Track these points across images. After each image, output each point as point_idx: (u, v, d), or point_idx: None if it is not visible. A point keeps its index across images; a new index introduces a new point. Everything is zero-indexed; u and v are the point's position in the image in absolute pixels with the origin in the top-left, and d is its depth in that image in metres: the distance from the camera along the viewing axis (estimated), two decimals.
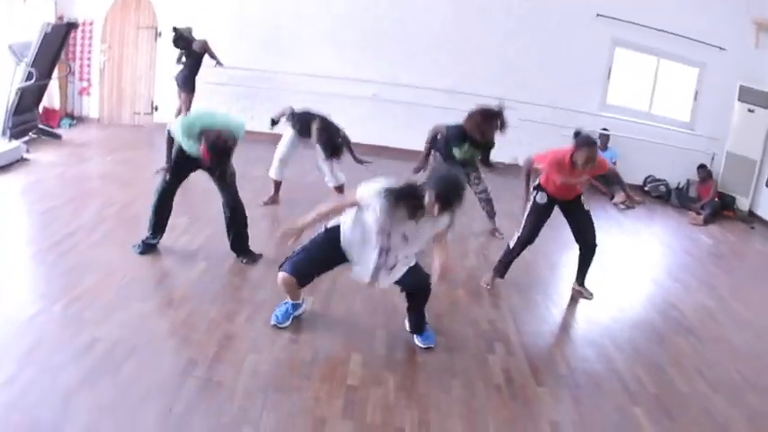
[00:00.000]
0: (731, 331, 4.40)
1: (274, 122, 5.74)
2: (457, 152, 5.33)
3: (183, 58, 7.55)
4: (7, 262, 4.02)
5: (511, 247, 4.46)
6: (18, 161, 6.14)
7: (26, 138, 6.81)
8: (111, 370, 2.90)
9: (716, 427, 3.12)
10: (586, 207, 4.45)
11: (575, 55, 8.23)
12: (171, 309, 3.59)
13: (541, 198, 4.34)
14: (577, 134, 4.12)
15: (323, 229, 3.36)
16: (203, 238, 4.69)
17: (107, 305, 3.51)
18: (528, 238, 4.40)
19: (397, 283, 3.36)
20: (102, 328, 3.25)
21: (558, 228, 4.68)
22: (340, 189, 5.69)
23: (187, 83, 7.46)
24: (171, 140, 4.23)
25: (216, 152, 3.90)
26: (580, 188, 4.39)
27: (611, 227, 6.76)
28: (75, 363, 2.92)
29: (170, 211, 4.40)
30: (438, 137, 5.43)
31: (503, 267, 4.50)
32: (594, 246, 4.46)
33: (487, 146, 5.43)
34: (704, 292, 5.14)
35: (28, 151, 6.45)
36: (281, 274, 3.32)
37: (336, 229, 3.30)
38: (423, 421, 2.82)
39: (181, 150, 4.20)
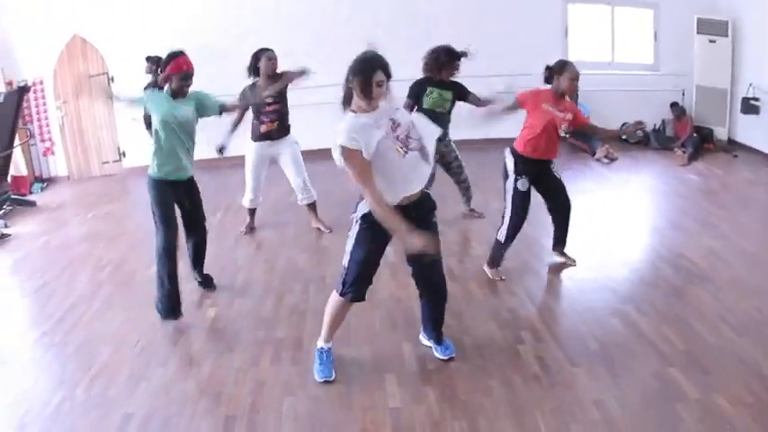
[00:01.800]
0: (742, 269, 4.44)
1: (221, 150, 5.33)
2: (427, 101, 5.13)
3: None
4: (15, 351, 3.90)
5: (502, 240, 4.34)
6: None
7: (1, 211, 6.64)
8: None
9: (748, 370, 3.15)
10: (558, 174, 4.40)
11: (529, 19, 8.20)
12: (193, 367, 3.50)
13: (522, 185, 4.21)
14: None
15: (358, 223, 3.04)
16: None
17: (129, 377, 3.42)
18: (518, 224, 4.29)
19: (418, 278, 3.28)
20: (131, 403, 3.17)
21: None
22: (312, 206, 5.57)
23: None
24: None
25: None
26: (558, 146, 4.32)
27: (600, 183, 6.81)
28: None
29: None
30: (409, 109, 5.09)
31: (499, 257, 4.45)
32: (570, 207, 4.44)
33: (456, 86, 5.24)
34: (706, 233, 5.18)
35: (6, 226, 6.30)
36: (345, 300, 3.15)
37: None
38: (473, 429, 2.80)
39: (159, 189, 3.99)
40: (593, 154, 7.77)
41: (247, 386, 3.27)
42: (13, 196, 7.04)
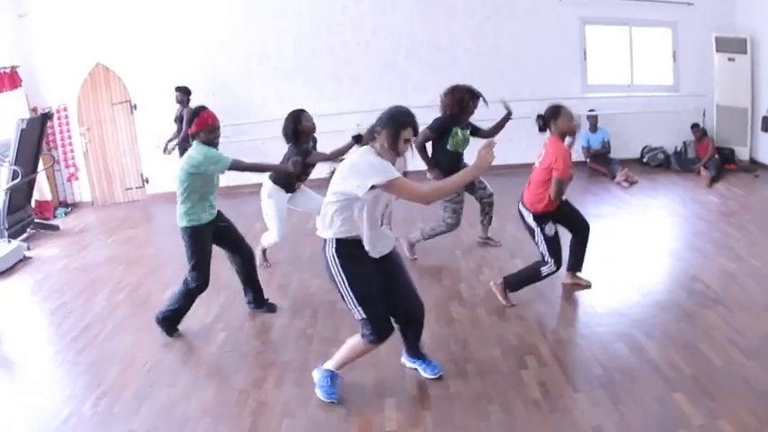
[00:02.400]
0: (755, 292, 4.35)
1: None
2: (451, 142, 5.05)
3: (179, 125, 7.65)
4: (28, 367, 4.06)
5: (543, 274, 4.26)
6: (21, 260, 6.18)
7: (25, 235, 6.85)
8: None
9: (755, 395, 3.07)
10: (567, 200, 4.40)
11: (547, 42, 8.22)
12: (198, 388, 3.57)
13: (550, 230, 4.20)
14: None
15: (345, 272, 3.04)
16: (218, 307, 4.68)
17: (135, 396, 3.52)
18: (560, 260, 4.25)
19: (396, 310, 3.26)
20: (134, 421, 3.26)
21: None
22: None
23: None
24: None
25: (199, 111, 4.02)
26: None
27: (619, 207, 6.73)
28: None
29: None
30: (425, 140, 5.11)
31: (523, 285, 4.38)
32: (589, 228, 4.44)
33: (470, 124, 5.21)
34: (723, 255, 5.09)
35: (29, 249, 6.49)
36: (374, 344, 3.16)
37: (355, 247, 3.04)
38: None
39: (191, 235, 4.12)
40: (613, 177, 7.71)
41: (248, 407, 3.32)
42: (36, 220, 7.26)
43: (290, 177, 4.98)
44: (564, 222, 4.38)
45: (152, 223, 7.68)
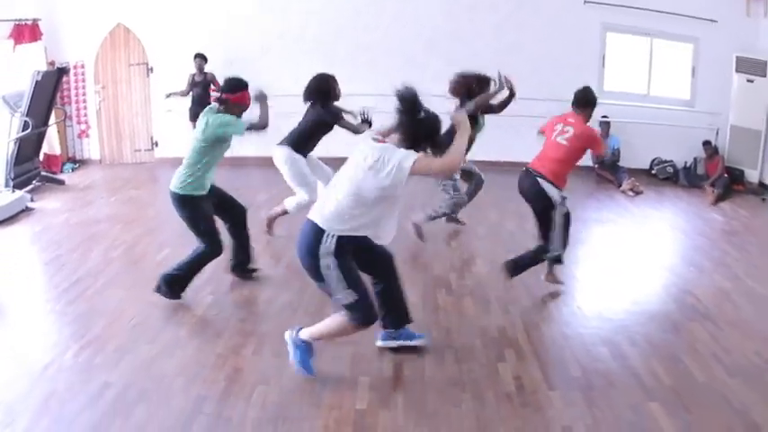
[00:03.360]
0: (748, 312, 4.32)
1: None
2: (476, 128, 5.09)
3: (192, 90, 7.75)
4: (18, 313, 4.12)
5: (557, 252, 4.32)
6: (23, 211, 6.23)
7: (30, 186, 6.90)
8: (123, 414, 2.96)
9: (734, 413, 3.05)
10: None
11: (567, 45, 8.16)
12: (178, 348, 3.61)
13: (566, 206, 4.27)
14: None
15: (339, 263, 3.02)
16: (209, 272, 4.61)
17: (116, 349, 3.56)
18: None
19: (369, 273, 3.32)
20: (112, 373, 3.31)
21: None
22: (285, 213, 5.45)
23: None
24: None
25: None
26: None
27: (621, 215, 6.71)
28: (88, 410, 2.98)
29: None
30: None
31: (521, 269, 4.41)
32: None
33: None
34: (719, 273, 5.05)
35: (32, 200, 6.54)
36: (363, 327, 3.18)
37: (353, 240, 3.06)
38: None
39: (195, 205, 4.14)
40: (620, 186, 7.67)
41: (224, 371, 3.35)
42: (42, 173, 7.30)
43: (310, 140, 5.11)
44: None
45: (156, 186, 7.70)
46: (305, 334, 3.28)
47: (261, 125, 4.26)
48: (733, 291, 4.68)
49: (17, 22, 7.19)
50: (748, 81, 7.74)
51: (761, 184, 7.85)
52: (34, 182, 7.05)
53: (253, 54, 8.15)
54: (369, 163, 2.93)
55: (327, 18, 8.16)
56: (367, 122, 5.08)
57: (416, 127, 3.03)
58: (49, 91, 7.01)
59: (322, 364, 3.35)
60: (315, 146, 5.28)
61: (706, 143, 7.96)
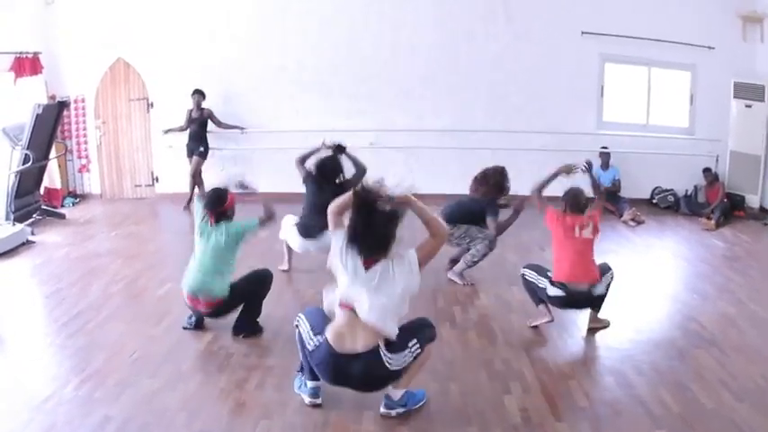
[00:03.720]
0: (753, 336, 4.31)
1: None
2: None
3: (189, 126, 7.82)
4: (18, 346, 4.10)
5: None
6: (23, 244, 6.22)
7: (31, 220, 6.89)
8: None
9: None
10: None
11: (565, 76, 8.23)
12: (180, 382, 3.56)
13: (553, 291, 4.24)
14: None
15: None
16: None
17: (118, 383, 3.52)
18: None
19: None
20: (113, 407, 3.26)
21: None
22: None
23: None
24: None
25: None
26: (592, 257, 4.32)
27: (623, 246, 6.68)
28: None
29: None
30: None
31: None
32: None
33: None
34: (723, 299, 5.04)
35: (33, 233, 6.54)
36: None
37: None
38: None
39: None
40: (620, 216, 7.68)
41: (227, 406, 3.32)
42: (43, 207, 7.30)
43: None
44: None
45: (157, 221, 7.73)
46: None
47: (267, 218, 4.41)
48: (737, 316, 4.67)
49: (18, 55, 7.27)
50: (746, 106, 7.81)
51: (762, 209, 7.86)
52: (35, 215, 7.05)
53: (251, 89, 8.22)
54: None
55: (324, 53, 8.22)
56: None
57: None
58: (50, 124, 7.04)
59: (325, 398, 3.31)
60: None
61: (706, 170, 7.99)
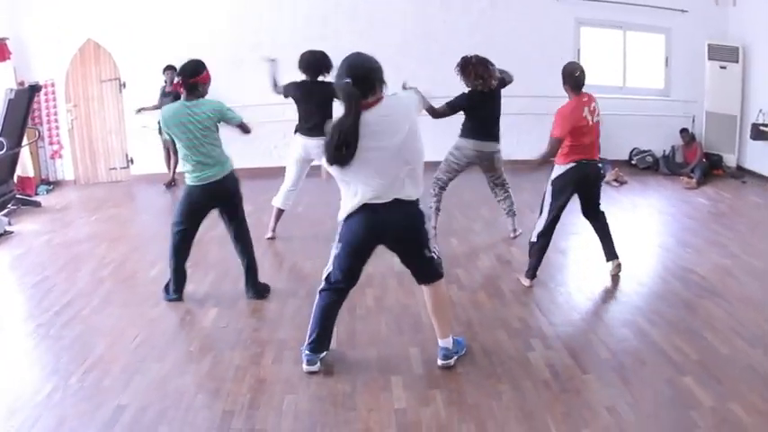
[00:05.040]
0: (753, 286, 4.38)
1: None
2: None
3: (162, 102, 7.54)
4: (8, 341, 3.85)
5: (535, 240, 4.32)
6: (1, 235, 5.96)
7: (6, 210, 6.59)
8: None
9: (762, 380, 3.09)
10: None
11: (541, 41, 8.22)
12: (192, 363, 3.43)
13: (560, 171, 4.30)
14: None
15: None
16: (208, 285, 4.56)
17: (124, 370, 3.35)
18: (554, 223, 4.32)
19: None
20: (125, 396, 3.09)
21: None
22: (281, 213, 5.56)
23: None
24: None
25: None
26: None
27: (609, 204, 6.67)
28: None
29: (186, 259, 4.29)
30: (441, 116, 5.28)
31: (537, 264, 4.38)
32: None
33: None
34: (716, 252, 5.12)
35: (10, 224, 6.27)
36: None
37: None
38: None
39: (191, 193, 4.07)
40: (603, 176, 7.72)
41: (247, 383, 3.19)
42: (18, 196, 7.01)
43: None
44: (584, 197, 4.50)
45: (135, 203, 7.53)
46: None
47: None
48: (733, 267, 4.75)
49: None
50: (721, 68, 7.92)
51: (739, 167, 8.03)
52: (10, 205, 6.75)
53: (225, 66, 7.96)
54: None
55: (299, 28, 8.02)
56: None
57: None
58: (22, 110, 6.71)
59: (350, 369, 3.27)
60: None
61: (683, 131, 8.11)
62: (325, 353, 3.33)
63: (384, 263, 4.90)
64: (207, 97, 4.10)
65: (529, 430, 2.73)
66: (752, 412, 2.79)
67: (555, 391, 3.03)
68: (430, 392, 3.03)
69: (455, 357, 3.28)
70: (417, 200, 3.01)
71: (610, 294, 4.27)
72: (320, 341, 3.27)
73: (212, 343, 3.68)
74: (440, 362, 3.24)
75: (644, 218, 6.38)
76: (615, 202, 6.84)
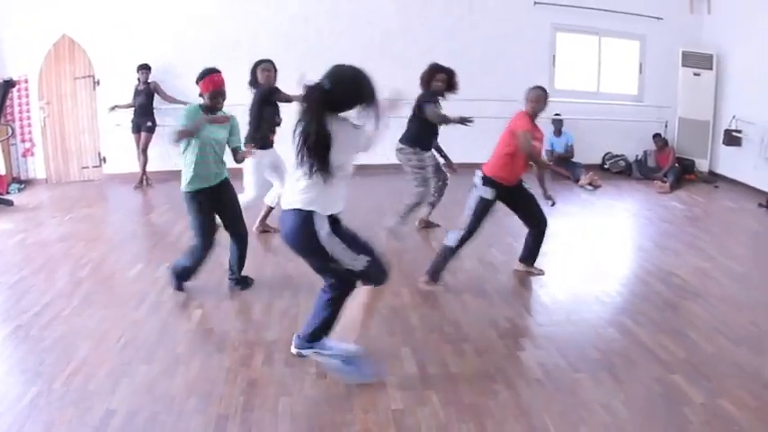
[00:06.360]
0: (733, 287, 4.50)
1: None
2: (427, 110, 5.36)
3: (136, 99, 7.53)
4: None
5: (453, 246, 4.34)
6: None
7: None
8: None
9: (749, 377, 3.18)
10: (530, 191, 4.46)
11: (518, 46, 8.33)
12: (180, 365, 3.33)
13: (488, 193, 4.29)
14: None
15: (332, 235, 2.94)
16: (189, 285, 4.42)
17: (110, 373, 3.23)
18: (470, 235, 4.35)
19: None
20: (113, 400, 2.98)
21: None
22: (270, 209, 5.60)
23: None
24: None
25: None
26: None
27: (585, 207, 6.88)
28: None
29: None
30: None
31: (441, 269, 4.41)
32: (546, 225, 4.52)
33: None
34: (694, 254, 5.25)
35: None
36: (385, 282, 3.01)
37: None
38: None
39: (195, 199, 4.08)
40: (577, 181, 7.86)
41: (239, 386, 3.12)
42: None
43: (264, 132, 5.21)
44: (520, 210, 4.50)
45: (109, 203, 7.36)
46: (336, 342, 3.05)
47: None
48: (712, 270, 4.87)
49: None
50: (695, 74, 8.12)
51: (711, 172, 8.23)
52: None
53: (203, 65, 7.86)
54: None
55: (279, 27, 8.00)
56: None
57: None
58: None
59: None
60: (269, 138, 5.39)
61: (656, 136, 8.29)
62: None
63: None
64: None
65: (528, 429, 2.74)
66: (741, 407, 2.86)
67: (549, 389, 3.06)
68: (425, 393, 3.02)
69: (312, 353, 3.14)
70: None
71: (593, 295, 4.32)
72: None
73: (200, 344, 3.60)
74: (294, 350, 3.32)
75: (620, 221, 6.51)
76: (591, 205, 6.98)
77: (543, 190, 4.59)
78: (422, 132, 5.45)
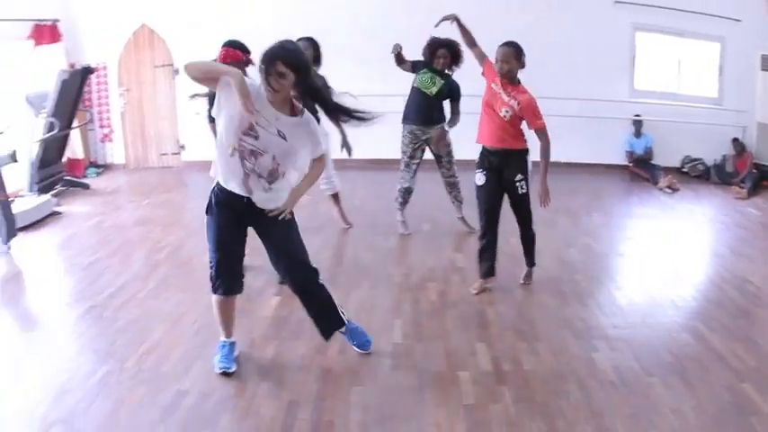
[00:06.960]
0: None
1: None
2: (416, 78, 5.39)
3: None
4: (59, 322, 3.84)
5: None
6: (50, 215, 6.00)
7: (54, 191, 6.67)
8: (208, 425, 2.72)
9: None
10: (522, 190, 4.14)
11: (597, 45, 8.13)
12: (255, 351, 3.41)
13: (479, 179, 4.13)
14: None
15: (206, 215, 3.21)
16: (267, 273, 4.31)
17: (184, 356, 3.32)
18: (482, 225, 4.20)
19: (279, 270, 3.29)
20: (185, 381, 3.06)
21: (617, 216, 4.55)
22: (336, 197, 5.56)
23: None
24: None
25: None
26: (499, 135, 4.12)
27: (665, 211, 6.75)
28: (167, 421, 2.75)
29: None
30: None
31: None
32: (528, 229, 4.31)
33: (449, 86, 5.35)
34: None
35: (58, 204, 6.32)
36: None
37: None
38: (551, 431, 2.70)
39: None
40: (656, 183, 7.70)
41: (313, 373, 3.17)
42: (66, 177, 7.09)
43: None
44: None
45: (187, 189, 7.53)
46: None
47: None
48: None
49: (37, 23, 7.02)
50: None
51: None
52: (58, 186, 6.84)
53: None
54: None
55: (358, 17, 7.98)
56: None
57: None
58: (74, 92, 6.79)
59: (417, 363, 3.27)
60: None
61: (735, 140, 7.99)
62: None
63: (446, 257, 4.96)
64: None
65: (598, 430, 2.71)
66: None
67: (622, 392, 3.02)
68: (498, 389, 3.03)
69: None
70: None
71: (668, 300, 4.22)
72: None
73: (275, 332, 3.66)
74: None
75: (698, 225, 6.37)
76: (670, 209, 6.84)
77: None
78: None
